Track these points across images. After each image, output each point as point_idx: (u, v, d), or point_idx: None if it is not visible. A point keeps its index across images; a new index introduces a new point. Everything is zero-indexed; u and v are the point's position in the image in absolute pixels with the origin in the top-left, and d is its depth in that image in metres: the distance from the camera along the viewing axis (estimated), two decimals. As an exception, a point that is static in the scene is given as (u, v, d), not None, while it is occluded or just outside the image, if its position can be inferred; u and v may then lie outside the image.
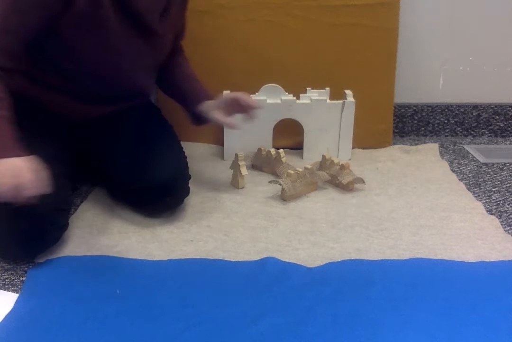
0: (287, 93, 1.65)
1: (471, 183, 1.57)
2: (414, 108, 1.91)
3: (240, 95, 1.38)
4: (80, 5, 1.14)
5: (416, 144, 1.85)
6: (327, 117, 1.66)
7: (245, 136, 1.67)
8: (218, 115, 1.38)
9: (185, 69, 1.53)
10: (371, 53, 1.74)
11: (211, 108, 1.40)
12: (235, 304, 1.03)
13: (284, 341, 0.94)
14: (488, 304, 1.03)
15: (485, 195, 1.50)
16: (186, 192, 1.39)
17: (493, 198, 1.47)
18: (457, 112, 1.91)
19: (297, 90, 1.66)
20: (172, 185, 1.32)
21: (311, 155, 1.69)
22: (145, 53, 1.33)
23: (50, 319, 0.99)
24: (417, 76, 1.87)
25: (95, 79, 1.30)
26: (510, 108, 1.91)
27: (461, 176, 1.62)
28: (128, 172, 1.34)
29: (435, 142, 1.86)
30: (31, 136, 1.12)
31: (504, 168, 1.67)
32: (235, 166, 1.50)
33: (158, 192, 1.30)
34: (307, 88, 1.67)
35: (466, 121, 1.93)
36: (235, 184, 1.52)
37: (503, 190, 1.52)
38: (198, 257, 1.19)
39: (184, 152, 1.46)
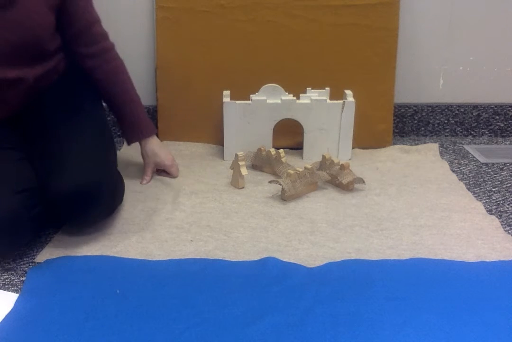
0: (287, 93, 1.65)
1: (471, 183, 1.57)
2: (414, 108, 1.91)
3: (169, 170, 1.54)
4: None
5: (416, 144, 1.85)
6: (327, 117, 1.66)
7: (245, 136, 1.67)
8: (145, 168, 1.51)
9: (115, 89, 1.42)
10: (371, 53, 1.74)
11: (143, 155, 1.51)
12: (235, 304, 1.03)
13: (284, 341, 0.94)
14: (488, 304, 1.03)
15: (485, 195, 1.49)
16: (101, 205, 1.22)
17: (493, 198, 1.47)
18: (457, 112, 1.91)
19: (297, 90, 1.66)
20: (77, 197, 1.15)
21: (311, 155, 1.69)
22: None
23: (50, 319, 0.99)
24: (417, 76, 1.87)
25: None
26: (510, 108, 1.91)
27: (461, 176, 1.62)
28: (38, 176, 1.21)
29: (435, 142, 1.85)
30: None
31: (504, 168, 1.67)
32: (235, 166, 1.50)
33: (63, 204, 1.16)
34: (307, 88, 1.67)
35: (466, 121, 1.93)
36: (235, 184, 1.52)
37: (503, 190, 1.52)
38: (198, 257, 1.19)
39: (108, 154, 1.32)
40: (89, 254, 1.20)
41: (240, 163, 1.49)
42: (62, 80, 1.38)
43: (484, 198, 1.48)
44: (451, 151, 1.80)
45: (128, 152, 1.68)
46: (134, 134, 1.48)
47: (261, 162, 1.63)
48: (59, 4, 1.28)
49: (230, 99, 1.64)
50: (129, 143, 1.50)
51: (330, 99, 1.67)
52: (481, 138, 1.93)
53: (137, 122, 1.46)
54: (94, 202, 1.19)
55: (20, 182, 1.16)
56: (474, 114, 1.91)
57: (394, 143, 1.84)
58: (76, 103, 1.37)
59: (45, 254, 1.20)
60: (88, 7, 1.36)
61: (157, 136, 1.82)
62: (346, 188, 1.50)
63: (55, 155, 1.23)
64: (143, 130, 1.47)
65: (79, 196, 1.15)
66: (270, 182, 1.48)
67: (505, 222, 1.35)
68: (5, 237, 1.13)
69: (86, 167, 1.20)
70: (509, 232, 1.30)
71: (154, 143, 1.51)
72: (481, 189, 1.53)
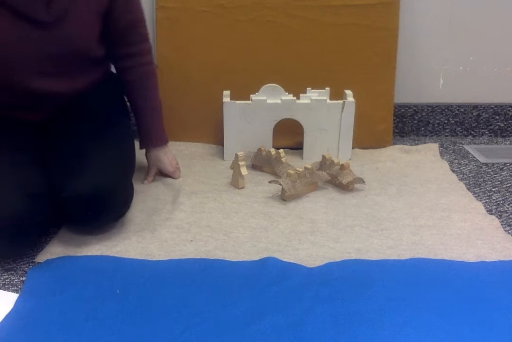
0: (287, 93, 1.65)
1: (471, 183, 1.57)
2: (414, 108, 1.90)
3: (171, 175, 1.56)
4: None
5: (416, 144, 1.85)
6: (327, 117, 1.66)
7: (245, 136, 1.67)
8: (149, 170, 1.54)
9: (142, 93, 1.45)
10: (371, 53, 1.74)
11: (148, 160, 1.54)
12: (235, 304, 1.03)
13: (284, 341, 0.94)
14: (488, 304, 1.03)
15: (485, 195, 1.50)
16: (112, 211, 1.25)
17: (493, 198, 1.47)
18: (457, 112, 1.91)
19: (297, 90, 1.66)
20: (91, 199, 1.19)
21: (311, 155, 1.69)
22: (34, 44, 1.21)
23: (50, 319, 0.99)
24: (417, 76, 1.87)
25: None
26: (510, 108, 1.91)
27: (461, 176, 1.62)
28: (56, 178, 1.25)
29: (435, 142, 1.85)
30: None
31: (504, 168, 1.67)
32: (235, 166, 1.50)
33: (76, 204, 1.19)
34: (307, 88, 1.67)
35: (466, 121, 1.93)
36: (235, 184, 1.52)
37: (503, 190, 1.52)
38: (198, 257, 1.19)
39: (128, 164, 1.38)
40: (89, 254, 1.20)
41: (240, 163, 1.49)
42: (97, 87, 1.40)
43: (484, 198, 1.48)
44: (451, 151, 1.80)
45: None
46: (146, 141, 1.51)
47: (261, 163, 1.63)
48: (106, 8, 1.29)
49: (230, 99, 1.64)
50: (140, 147, 1.53)
51: (330, 99, 1.67)
52: (481, 138, 1.93)
53: (152, 132, 1.49)
54: (106, 206, 1.22)
55: (30, 187, 1.17)
56: (474, 114, 1.91)
57: (394, 143, 1.84)
58: (105, 113, 1.41)
59: (45, 254, 1.20)
60: (133, 6, 1.36)
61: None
62: (346, 188, 1.50)
63: (76, 161, 1.26)
64: (155, 140, 1.50)
65: (94, 198, 1.19)
66: (270, 182, 1.48)
67: (505, 222, 1.35)
68: (6, 238, 1.13)
69: (104, 173, 1.24)
70: (509, 232, 1.30)
71: (160, 150, 1.52)
72: (481, 189, 1.53)
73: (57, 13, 1.21)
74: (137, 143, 1.50)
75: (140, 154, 1.52)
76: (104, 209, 1.22)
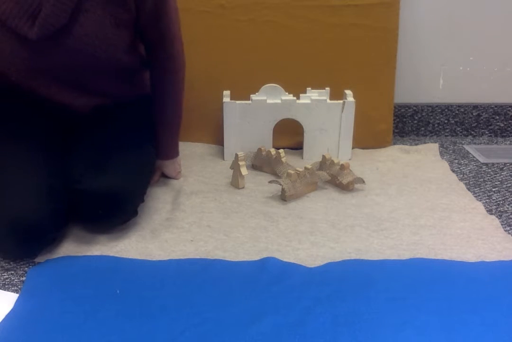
0: (287, 93, 1.65)
1: (471, 183, 1.57)
2: (414, 108, 1.91)
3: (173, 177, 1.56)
4: None
5: (416, 144, 1.85)
6: (327, 117, 1.66)
7: (245, 136, 1.67)
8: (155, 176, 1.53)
9: (163, 107, 1.44)
10: (371, 53, 1.74)
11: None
12: (235, 304, 1.03)
13: (284, 341, 0.94)
14: (488, 304, 1.03)
15: (485, 195, 1.50)
16: (122, 214, 1.26)
17: (493, 198, 1.47)
18: (457, 112, 1.91)
19: (297, 90, 1.66)
20: (106, 198, 1.20)
21: (311, 155, 1.69)
22: (53, 54, 1.22)
23: (50, 319, 0.99)
24: (417, 76, 1.87)
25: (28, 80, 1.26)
26: (510, 108, 1.91)
27: (461, 176, 1.62)
28: (74, 169, 1.26)
29: (435, 142, 1.86)
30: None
31: (504, 168, 1.67)
32: (235, 166, 1.50)
33: (90, 200, 1.21)
34: (307, 88, 1.67)
35: (466, 121, 1.93)
36: (235, 184, 1.52)
37: (503, 190, 1.52)
38: (198, 257, 1.19)
39: (147, 172, 1.40)
40: (89, 254, 1.20)
41: (240, 163, 1.49)
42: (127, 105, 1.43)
43: (484, 198, 1.48)
44: (451, 151, 1.80)
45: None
46: (159, 153, 1.50)
47: (261, 162, 1.63)
48: (131, 18, 1.26)
49: (230, 99, 1.64)
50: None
51: (330, 99, 1.67)
52: (481, 138, 1.94)
53: (164, 145, 1.50)
54: (118, 208, 1.23)
55: (61, 198, 1.19)
56: (474, 114, 1.91)
57: (394, 143, 1.84)
58: (131, 119, 1.42)
59: (45, 254, 1.20)
60: (161, 22, 1.31)
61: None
62: (346, 188, 1.50)
63: (100, 157, 1.28)
64: (164, 154, 1.51)
65: (108, 197, 1.20)
66: (270, 182, 1.48)
67: (505, 222, 1.35)
68: (20, 241, 1.14)
69: (124, 177, 1.25)
70: (509, 232, 1.30)
71: (169, 161, 1.53)
72: (481, 189, 1.53)
73: (44, 31, 1.17)
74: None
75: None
76: (115, 210, 1.23)
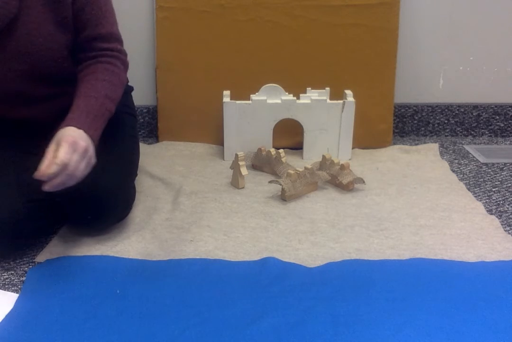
0: (287, 93, 1.65)
1: (471, 183, 1.57)
2: (414, 108, 1.90)
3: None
4: None
5: (416, 144, 1.85)
6: (327, 117, 1.66)
7: (245, 136, 1.68)
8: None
9: (89, 82, 1.21)
10: (371, 53, 1.74)
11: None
12: (235, 304, 1.03)
13: (284, 341, 0.94)
14: (488, 304, 1.03)
15: (485, 195, 1.50)
16: (112, 212, 1.25)
17: (493, 198, 1.47)
18: (457, 112, 1.91)
19: (297, 90, 1.66)
20: (91, 199, 1.18)
21: (311, 155, 1.69)
22: None
23: (50, 319, 0.99)
24: (417, 76, 1.87)
25: None
26: (510, 108, 1.91)
27: (461, 176, 1.62)
28: None
29: (435, 142, 1.85)
30: None
31: (504, 168, 1.67)
32: (235, 166, 1.50)
33: (76, 204, 1.20)
34: (307, 88, 1.67)
35: (466, 121, 1.93)
36: (235, 184, 1.52)
37: (503, 190, 1.52)
38: (198, 257, 1.19)
39: (131, 166, 1.35)
40: (89, 254, 1.20)
41: (240, 163, 1.49)
42: None
43: (484, 198, 1.48)
44: (451, 151, 1.80)
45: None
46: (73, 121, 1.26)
47: (261, 162, 1.63)
48: (69, 17, 1.18)
49: (230, 99, 1.64)
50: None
51: (330, 99, 1.67)
52: (481, 138, 1.93)
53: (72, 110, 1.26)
54: (106, 207, 1.22)
55: (33, 192, 1.15)
56: (474, 114, 1.91)
57: (394, 143, 1.84)
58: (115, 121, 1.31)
59: (45, 254, 1.20)
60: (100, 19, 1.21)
61: (157, 136, 1.83)
62: (346, 188, 1.50)
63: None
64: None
65: (93, 198, 1.18)
66: (270, 182, 1.48)
67: (505, 222, 1.35)
68: (6, 240, 1.15)
69: (104, 174, 1.21)
70: (509, 232, 1.30)
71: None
72: (481, 189, 1.53)
73: None
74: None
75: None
76: (104, 210, 1.22)
